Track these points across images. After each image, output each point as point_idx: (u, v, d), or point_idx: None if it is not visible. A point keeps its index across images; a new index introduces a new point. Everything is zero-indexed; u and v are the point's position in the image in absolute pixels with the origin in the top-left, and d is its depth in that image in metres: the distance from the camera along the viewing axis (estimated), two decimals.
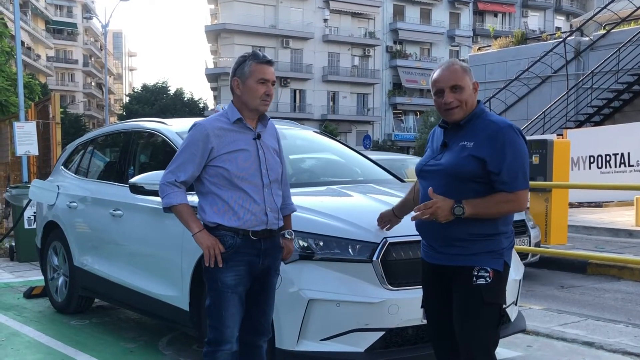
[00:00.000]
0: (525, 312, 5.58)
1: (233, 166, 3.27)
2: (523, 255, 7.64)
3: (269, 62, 3.36)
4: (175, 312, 4.64)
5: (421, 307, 3.41)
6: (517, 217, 7.32)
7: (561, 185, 9.02)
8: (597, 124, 19.23)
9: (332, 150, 6.06)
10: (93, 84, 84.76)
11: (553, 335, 5.42)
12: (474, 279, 3.03)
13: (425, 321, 3.50)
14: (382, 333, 3.81)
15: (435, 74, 3.16)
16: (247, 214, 3.29)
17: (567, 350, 5.08)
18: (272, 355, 3.82)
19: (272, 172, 3.39)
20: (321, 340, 3.80)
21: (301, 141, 6.00)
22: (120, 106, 74.36)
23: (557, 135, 15.38)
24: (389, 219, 3.82)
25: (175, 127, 5.23)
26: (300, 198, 4.13)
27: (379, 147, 50.75)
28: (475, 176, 3.01)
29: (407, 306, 3.77)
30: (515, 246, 6.80)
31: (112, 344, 5.40)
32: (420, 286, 3.43)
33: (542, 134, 18.43)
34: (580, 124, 19.44)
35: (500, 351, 3.26)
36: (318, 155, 6.09)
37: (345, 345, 3.78)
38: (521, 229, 7.75)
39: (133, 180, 4.50)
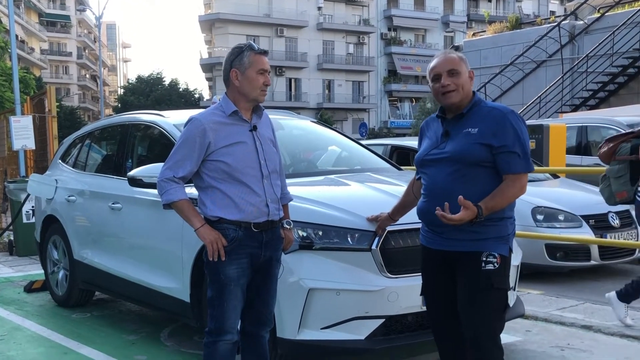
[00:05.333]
0: (524, 297, 5.61)
1: (232, 159, 3.27)
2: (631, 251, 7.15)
3: (265, 53, 3.39)
4: (176, 303, 4.67)
5: (420, 294, 3.42)
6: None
7: (557, 170, 9.02)
8: (592, 107, 19.21)
9: (330, 139, 6.07)
10: (87, 76, 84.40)
11: (551, 319, 5.46)
12: (483, 264, 3.07)
13: (424, 308, 3.52)
14: (382, 320, 3.85)
15: (432, 63, 3.24)
16: (248, 206, 3.29)
17: (565, 334, 5.12)
18: (273, 345, 3.85)
19: (271, 163, 3.40)
20: (322, 328, 3.83)
21: (299, 131, 6.01)
22: (115, 98, 74.16)
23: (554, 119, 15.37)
24: (384, 223, 3.84)
25: (172, 119, 5.24)
26: (298, 188, 4.15)
27: (375, 134, 50.70)
28: (483, 161, 3.05)
29: (406, 293, 3.81)
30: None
31: (114, 336, 5.43)
32: (419, 273, 3.44)
33: (538, 118, 18.43)
34: (575, 108, 19.44)
35: None
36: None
37: (346, 333, 3.82)
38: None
39: (131, 173, 4.51)
